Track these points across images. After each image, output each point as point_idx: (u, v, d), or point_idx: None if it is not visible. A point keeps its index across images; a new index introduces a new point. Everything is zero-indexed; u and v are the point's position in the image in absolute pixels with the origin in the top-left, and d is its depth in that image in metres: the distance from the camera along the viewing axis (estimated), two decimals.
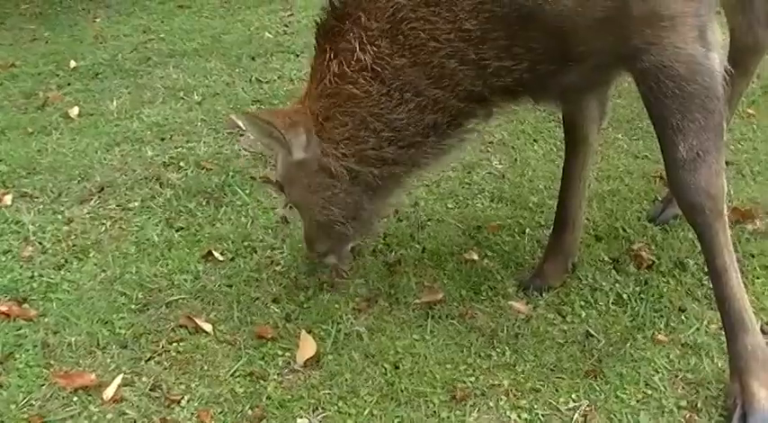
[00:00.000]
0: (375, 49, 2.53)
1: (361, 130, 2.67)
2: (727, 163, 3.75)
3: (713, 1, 2.44)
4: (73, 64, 5.86)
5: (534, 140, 4.21)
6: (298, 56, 5.60)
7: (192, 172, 4.11)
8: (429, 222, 3.58)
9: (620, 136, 4.20)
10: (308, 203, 2.91)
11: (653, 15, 2.33)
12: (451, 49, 2.47)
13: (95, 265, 3.44)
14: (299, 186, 2.87)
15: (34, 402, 2.73)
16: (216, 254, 3.43)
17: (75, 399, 2.73)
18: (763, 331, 2.65)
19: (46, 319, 3.13)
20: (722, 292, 2.51)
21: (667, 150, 2.45)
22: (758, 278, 3.11)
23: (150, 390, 2.75)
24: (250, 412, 2.63)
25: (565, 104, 2.92)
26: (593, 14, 2.34)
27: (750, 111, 4.37)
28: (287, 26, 6.29)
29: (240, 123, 2.83)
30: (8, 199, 3.98)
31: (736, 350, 2.51)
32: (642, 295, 3.05)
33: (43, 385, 2.80)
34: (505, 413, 2.57)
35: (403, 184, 2.96)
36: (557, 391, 2.64)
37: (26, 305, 3.22)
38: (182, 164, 4.19)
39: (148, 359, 2.89)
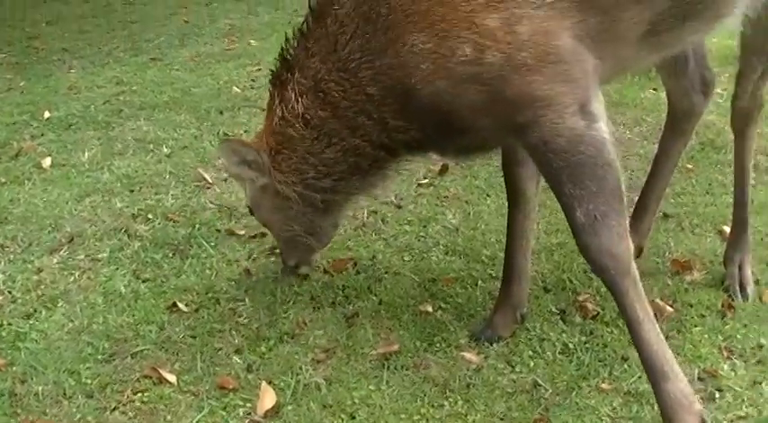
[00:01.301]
0: (306, 101, 2.83)
1: (302, 164, 2.96)
2: (667, 216, 3.89)
3: (593, 77, 2.47)
4: (47, 114, 5.83)
5: (487, 195, 4.25)
6: (263, 110, 5.59)
7: (159, 224, 4.09)
8: (386, 275, 3.59)
9: None
10: (273, 223, 3.26)
11: (527, 98, 2.40)
12: (359, 107, 2.72)
13: (63, 314, 3.41)
14: (265, 208, 3.21)
15: None
16: (181, 305, 3.41)
17: None
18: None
19: (14, 368, 3.09)
20: (639, 343, 2.53)
21: (568, 216, 2.49)
22: (696, 326, 3.14)
23: None
24: None
25: (476, 156, 3.21)
26: (469, 97, 2.44)
27: (689, 166, 4.45)
28: (254, 81, 6.32)
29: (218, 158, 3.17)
30: None
31: (660, 398, 2.53)
32: (587, 345, 3.07)
33: None
34: None
35: (346, 207, 3.29)
36: None
37: None
38: (149, 216, 4.17)
39: (113, 409, 2.86)
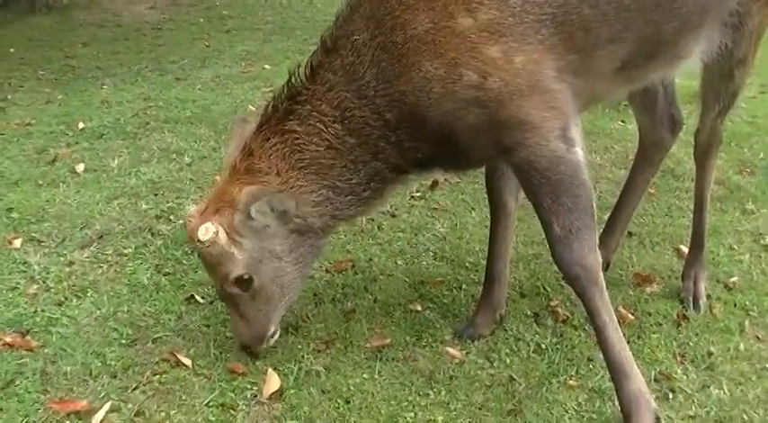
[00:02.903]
0: (334, 130, 2.67)
1: (332, 193, 2.75)
2: (630, 234, 3.91)
3: (572, 106, 2.53)
4: (81, 125, 5.82)
5: (472, 208, 4.27)
6: None
7: (180, 225, 4.07)
8: (381, 276, 3.60)
9: None
10: (280, 273, 2.80)
11: (516, 121, 2.45)
12: (380, 132, 2.65)
13: (92, 303, 3.40)
14: (271, 260, 2.76)
15: None
16: (197, 297, 3.41)
17: (67, 422, 2.69)
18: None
19: (46, 350, 3.09)
20: (604, 345, 2.57)
21: (545, 229, 2.54)
22: (654, 333, 3.17)
23: (134, 416, 2.72)
24: None
25: (471, 171, 3.15)
26: (468, 119, 2.47)
27: (651, 190, 4.47)
28: (267, 100, 6.33)
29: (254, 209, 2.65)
30: (17, 242, 3.93)
31: (621, 396, 2.57)
32: (558, 346, 3.09)
33: (39, 410, 2.76)
34: None
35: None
36: None
37: (28, 337, 3.17)
38: (171, 217, 4.17)
39: (134, 388, 2.86)
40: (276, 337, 2.97)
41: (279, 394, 2.81)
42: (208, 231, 2.64)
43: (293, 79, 2.72)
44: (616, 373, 2.57)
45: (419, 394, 2.82)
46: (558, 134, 2.45)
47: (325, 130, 2.66)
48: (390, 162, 2.71)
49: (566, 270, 2.53)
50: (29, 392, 2.85)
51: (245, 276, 2.74)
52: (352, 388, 2.84)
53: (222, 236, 2.65)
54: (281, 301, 2.87)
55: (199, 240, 2.64)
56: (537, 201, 2.51)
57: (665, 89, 3.38)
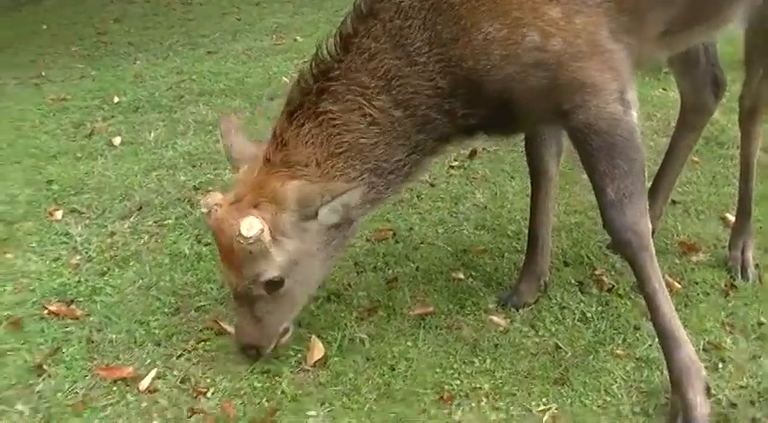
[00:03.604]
0: (380, 104, 2.49)
1: (374, 176, 2.58)
2: (675, 202, 3.84)
3: (628, 68, 2.48)
4: (116, 99, 5.85)
5: (512, 177, 4.22)
6: None
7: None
8: (422, 245, 3.58)
9: (585, 176, 4.17)
10: (310, 273, 2.65)
11: (578, 84, 2.40)
12: (432, 102, 2.50)
13: (134, 273, 3.44)
14: (307, 259, 2.59)
15: (78, 391, 2.74)
16: None
17: (114, 389, 2.74)
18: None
19: (91, 319, 3.13)
20: (655, 313, 2.53)
21: (599, 194, 2.49)
22: (701, 303, 3.11)
23: (180, 382, 2.75)
24: (266, 404, 2.63)
25: (511, 137, 3.07)
26: (529, 82, 2.40)
27: (695, 159, 4.39)
28: (300, 71, 6.30)
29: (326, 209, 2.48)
30: (59, 214, 3.98)
31: (671, 364, 2.52)
32: (603, 314, 3.05)
33: (87, 376, 2.80)
34: (485, 413, 2.57)
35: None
36: (529, 395, 2.64)
37: (73, 306, 3.22)
38: (210, 188, 4.17)
39: (179, 356, 2.89)
40: (289, 335, 2.80)
41: (323, 362, 2.82)
42: (253, 227, 2.42)
43: (321, 54, 2.54)
44: (666, 340, 2.52)
45: (464, 362, 2.80)
46: (616, 96, 2.41)
47: (367, 104, 2.49)
48: (437, 132, 2.58)
49: (617, 235, 2.49)
50: (76, 359, 2.89)
51: (277, 279, 2.55)
52: (396, 355, 2.84)
53: (267, 234, 2.46)
54: (302, 302, 2.75)
55: (240, 235, 2.42)
56: (592, 164, 2.46)
57: (705, 50, 3.30)
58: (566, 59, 2.36)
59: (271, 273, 2.53)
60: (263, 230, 2.43)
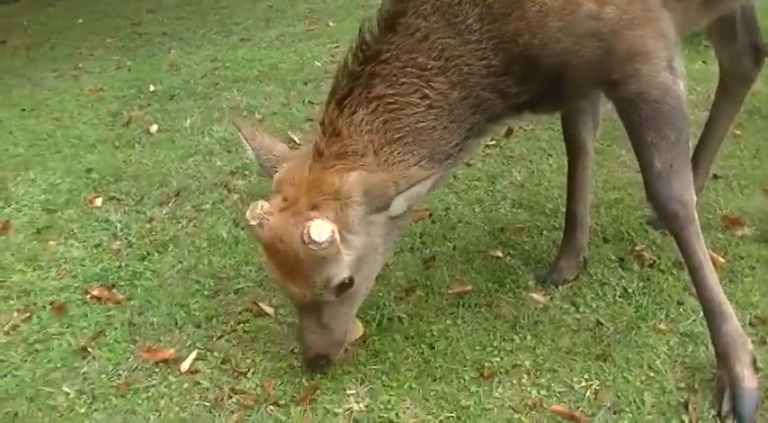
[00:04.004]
0: (438, 85, 2.36)
1: (430, 161, 2.42)
2: (716, 177, 3.77)
3: (675, 36, 2.42)
4: (152, 88, 5.92)
5: (549, 155, 4.17)
6: None
7: (254, 179, 4.12)
8: (459, 224, 3.56)
9: (623, 152, 4.14)
10: (374, 267, 2.53)
11: (632, 52, 2.33)
12: (486, 81, 2.39)
13: (173, 257, 3.48)
14: (372, 253, 2.46)
15: (121, 373, 2.78)
16: None
17: (156, 370, 2.77)
18: None
19: (132, 303, 3.18)
20: (700, 286, 2.48)
21: (645, 165, 2.43)
22: (746, 277, 3.04)
23: (221, 363, 2.77)
24: (306, 384, 2.64)
25: (553, 113, 2.97)
26: (584, 54, 2.34)
27: (737, 132, 4.30)
28: (333, 56, 6.30)
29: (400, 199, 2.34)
30: (99, 201, 4.05)
31: (718, 338, 2.47)
32: (645, 290, 3.00)
33: (129, 358, 2.85)
34: (527, 389, 2.55)
35: None
36: (571, 371, 2.62)
37: (115, 290, 3.27)
38: (246, 172, 4.21)
39: (219, 337, 2.91)
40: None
41: (362, 341, 2.81)
42: (323, 230, 2.23)
43: (365, 37, 2.40)
44: (712, 314, 2.47)
45: (504, 339, 2.78)
46: (665, 65, 2.35)
47: (426, 85, 2.35)
48: (490, 112, 2.45)
49: (664, 207, 2.43)
50: (118, 342, 2.94)
51: (347, 280, 2.39)
52: (435, 334, 2.83)
53: (337, 234, 2.28)
54: (363, 298, 2.61)
55: (312, 242, 2.22)
56: (640, 135, 2.40)
57: (744, 19, 3.21)
58: (620, 27, 2.30)
59: (342, 274, 2.36)
60: (334, 232, 2.25)
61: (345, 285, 2.39)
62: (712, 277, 2.47)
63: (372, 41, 2.39)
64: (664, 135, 2.36)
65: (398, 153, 2.37)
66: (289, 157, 2.49)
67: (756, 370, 2.46)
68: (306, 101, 5.30)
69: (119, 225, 3.78)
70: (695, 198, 2.46)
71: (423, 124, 2.37)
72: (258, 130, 2.57)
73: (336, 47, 6.54)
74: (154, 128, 5.01)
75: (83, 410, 2.62)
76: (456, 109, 2.39)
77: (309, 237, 2.22)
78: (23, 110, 5.76)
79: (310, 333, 2.51)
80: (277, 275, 2.40)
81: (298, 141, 4.49)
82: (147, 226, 3.76)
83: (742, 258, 3.18)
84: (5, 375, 2.81)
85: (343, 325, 2.54)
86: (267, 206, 2.35)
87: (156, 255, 3.51)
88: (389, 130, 2.36)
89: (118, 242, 3.64)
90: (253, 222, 2.33)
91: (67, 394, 2.69)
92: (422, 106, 2.36)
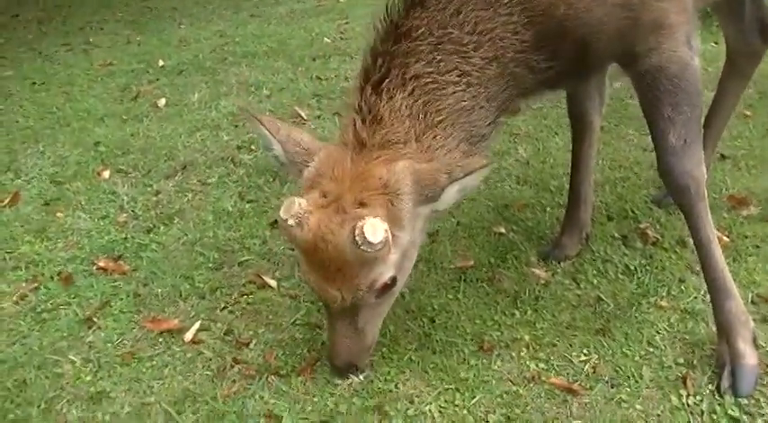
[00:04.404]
0: (477, 61, 2.23)
1: (465, 144, 2.29)
2: (724, 157, 3.76)
3: (694, 13, 2.42)
4: (161, 63, 5.93)
5: (555, 133, 4.16)
6: (352, 58, 5.60)
7: (261, 154, 4.12)
8: (463, 200, 3.49)
9: (630, 131, 4.14)
10: (411, 263, 2.36)
11: (656, 25, 2.32)
12: (520, 58, 2.30)
13: (179, 229, 3.50)
14: (412, 248, 2.31)
15: (126, 342, 2.81)
16: None
17: (160, 340, 2.81)
18: None
19: (137, 274, 3.21)
20: (706, 262, 2.48)
21: (660, 139, 2.42)
22: (750, 256, 3.04)
23: (224, 334, 2.80)
24: (308, 355, 2.67)
25: (567, 88, 2.91)
26: (612, 25, 2.32)
27: (747, 112, 4.28)
28: (342, 32, 6.28)
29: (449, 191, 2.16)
30: (106, 174, 4.07)
31: (721, 314, 2.48)
32: (647, 267, 3.01)
33: (134, 328, 2.88)
34: (526, 363, 2.57)
35: None
36: (570, 346, 2.63)
37: (120, 262, 3.30)
38: (252, 147, 4.23)
39: (222, 309, 2.94)
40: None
41: None
42: (378, 230, 2.05)
43: (395, 15, 2.25)
44: (717, 290, 2.49)
45: (504, 314, 2.80)
46: (685, 40, 2.34)
47: (464, 62, 2.21)
48: (520, 89, 2.36)
49: (677, 181, 2.43)
50: (123, 313, 2.97)
51: (391, 280, 2.23)
52: (436, 308, 2.85)
53: (389, 233, 2.10)
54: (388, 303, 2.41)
55: (367, 243, 2.04)
56: (657, 109, 2.39)
57: None
58: None
59: (388, 273, 2.19)
60: (388, 232, 2.07)
61: (389, 286, 2.24)
62: (718, 254, 2.48)
63: (402, 18, 2.24)
64: (680, 110, 2.36)
65: (440, 138, 2.22)
66: (319, 149, 2.28)
67: (756, 347, 2.47)
68: (313, 76, 5.30)
69: (125, 197, 3.81)
70: (706, 175, 2.47)
71: (463, 104, 2.23)
72: (280, 122, 2.34)
73: (346, 23, 6.53)
74: (162, 102, 5.02)
75: (88, 378, 2.66)
76: (492, 86, 2.28)
77: (364, 237, 2.04)
78: (34, 83, 5.79)
79: (342, 338, 2.34)
80: (315, 278, 2.20)
81: (305, 117, 4.50)
82: (154, 199, 3.79)
83: (746, 238, 3.17)
84: (14, 343, 2.85)
85: (376, 329, 2.42)
86: (305, 203, 2.15)
87: (161, 227, 3.54)
88: (430, 112, 2.21)
89: (124, 214, 3.67)
90: (291, 221, 2.13)
91: (74, 363, 2.72)
92: (461, 85, 2.23)
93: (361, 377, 2.51)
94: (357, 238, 2.04)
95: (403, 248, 2.20)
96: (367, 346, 2.42)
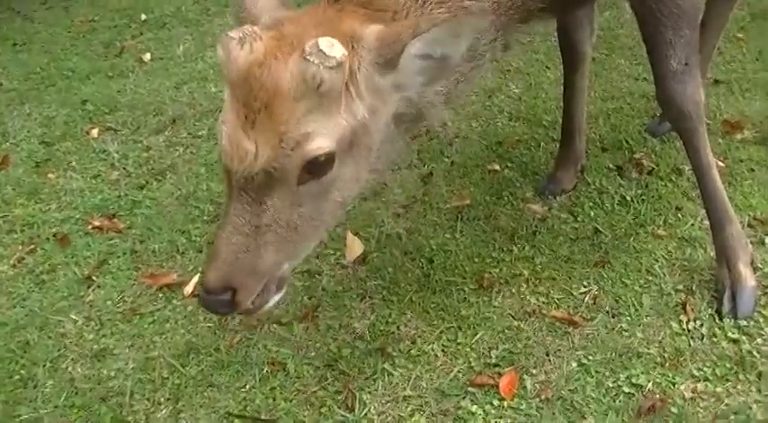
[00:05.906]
0: None
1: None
2: (718, 82, 3.71)
3: None
4: (143, 17, 5.78)
5: (547, 67, 4.09)
6: None
7: None
8: (456, 139, 3.52)
9: (622, 61, 4.06)
10: (355, 175, 1.87)
11: None
12: None
13: (172, 184, 3.47)
14: (364, 146, 1.85)
15: (127, 299, 2.81)
16: None
17: (160, 295, 2.80)
18: None
19: (133, 231, 3.18)
20: (707, 187, 2.48)
21: (660, 64, 2.38)
22: (746, 180, 3.03)
23: None
24: (308, 302, 2.67)
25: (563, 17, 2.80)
26: None
27: (740, 35, 4.20)
28: None
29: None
30: (95, 132, 4.01)
31: (722, 238, 2.49)
32: (643, 197, 2.99)
33: (133, 285, 2.88)
34: (526, 298, 2.58)
35: None
36: (570, 278, 2.64)
37: (115, 220, 3.28)
38: None
39: None
40: (281, 295, 1.88)
41: (362, 258, 2.83)
42: (335, 46, 1.66)
43: None
44: (716, 215, 2.49)
45: (502, 250, 2.79)
46: None
47: None
48: (522, 12, 2.14)
49: (679, 107, 2.40)
50: (121, 270, 2.96)
51: (325, 156, 1.71)
52: (434, 248, 2.84)
53: (347, 71, 1.70)
54: (327, 225, 1.90)
55: (318, 52, 1.63)
56: (659, 33, 2.35)
57: None
58: None
59: (324, 140, 1.69)
60: (345, 55, 1.67)
61: (320, 164, 1.71)
62: (717, 179, 2.48)
63: None
64: (681, 33, 2.32)
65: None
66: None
67: (755, 269, 2.49)
68: None
69: (116, 155, 3.76)
70: (704, 99, 2.44)
71: (467, 3, 1.93)
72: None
73: None
74: (147, 57, 4.92)
75: (91, 337, 2.67)
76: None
77: (318, 48, 1.64)
78: (15, 44, 5.65)
79: (230, 236, 1.72)
80: (231, 125, 1.69)
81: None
82: (145, 155, 3.74)
83: (741, 161, 3.16)
84: (15, 306, 2.85)
85: (285, 247, 1.76)
86: (258, 29, 1.75)
87: (154, 183, 3.50)
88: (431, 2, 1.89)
89: (116, 172, 3.63)
90: (234, 38, 1.70)
91: (75, 322, 2.73)
92: None
93: (359, 322, 2.34)
94: (308, 49, 1.64)
95: (354, 122, 1.74)
96: (263, 268, 1.74)
